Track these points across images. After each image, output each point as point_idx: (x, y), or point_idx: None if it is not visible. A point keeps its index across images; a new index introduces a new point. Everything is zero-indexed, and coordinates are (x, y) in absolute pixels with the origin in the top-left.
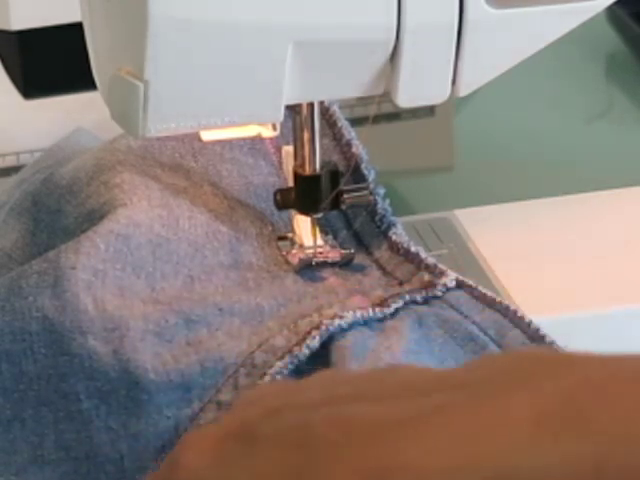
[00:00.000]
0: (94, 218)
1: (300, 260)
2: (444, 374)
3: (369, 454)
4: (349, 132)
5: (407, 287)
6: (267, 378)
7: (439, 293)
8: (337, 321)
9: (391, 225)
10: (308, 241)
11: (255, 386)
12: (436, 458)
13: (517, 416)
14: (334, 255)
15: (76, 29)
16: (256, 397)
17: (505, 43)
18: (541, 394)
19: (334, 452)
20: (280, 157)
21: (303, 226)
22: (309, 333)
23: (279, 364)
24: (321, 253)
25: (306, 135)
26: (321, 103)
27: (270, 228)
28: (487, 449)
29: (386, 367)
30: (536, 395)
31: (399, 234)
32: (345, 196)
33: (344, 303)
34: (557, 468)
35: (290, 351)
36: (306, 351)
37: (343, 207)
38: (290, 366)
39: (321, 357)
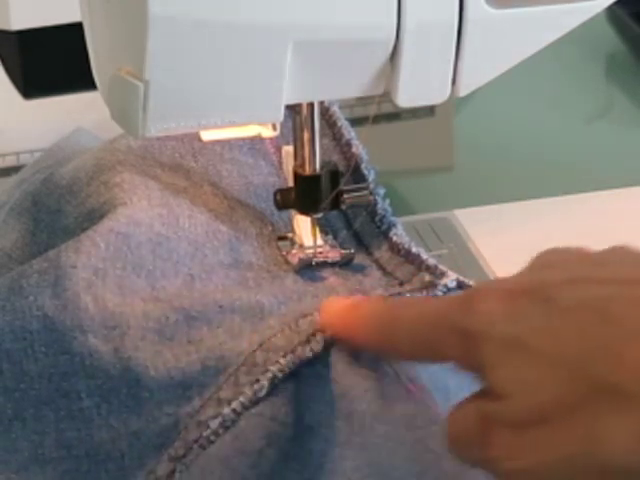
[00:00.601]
0: (94, 218)
1: (300, 260)
2: None
3: None
4: (349, 132)
5: (407, 287)
6: (269, 375)
7: (440, 293)
8: None
9: (391, 225)
10: (308, 241)
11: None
12: None
13: None
14: (334, 255)
15: (76, 29)
16: (557, 261)
17: (505, 43)
18: None
19: (635, 333)
20: (280, 157)
21: (303, 226)
22: (313, 335)
23: (281, 361)
24: (321, 253)
25: (306, 135)
26: (321, 103)
27: (270, 228)
28: None
29: None
30: None
31: (400, 235)
32: (345, 196)
33: None
34: None
35: (293, 351)
36: (309, 354)
37: (343, 207)
38: (291, 365)
39: (320, 354)
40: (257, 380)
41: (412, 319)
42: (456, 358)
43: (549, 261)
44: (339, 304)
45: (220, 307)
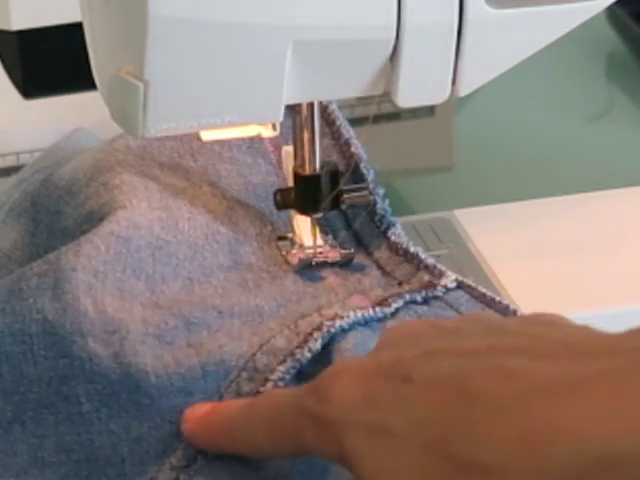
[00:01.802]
0: (93, 219)
1: (300, 260)
2: (603, 338)
3: (532, 413)
4: (347, 131)
5: (407, 287)
6: (269, 384)
7: (439, 293)
8: (338, 322)
9: (390, 225)
10: (308, 241)
11: (403, 323)
12: (599, 424)
13: None
14: (334, 255)
15: (76, 29)
16: (410, 335)
17: (505, 43)
18: None
19: (496, 405)
20: (279, 156)
21: (303, 226)
22: (311, 335)
23: (281, 369)
24: (321, 253)
25: (306, 135)
26: (320, 103)
27: (270, 228)
28: None
29: (544, 320)
30: None
31: (398, 234)
32: (345, 196)
33: (344, 303)
34: None
35: (292, 354)
36: (308, 354)
37: (343, 207)
38: (292, 370)
39: (321, 356)
40: (258, 392)
41: (267, 410)
42: (318, 449)
43: (402, 335)
44: (199, 411)
45: (219, 313)
